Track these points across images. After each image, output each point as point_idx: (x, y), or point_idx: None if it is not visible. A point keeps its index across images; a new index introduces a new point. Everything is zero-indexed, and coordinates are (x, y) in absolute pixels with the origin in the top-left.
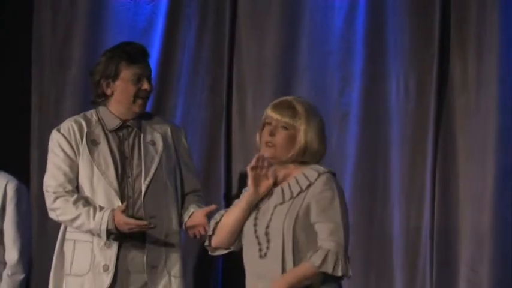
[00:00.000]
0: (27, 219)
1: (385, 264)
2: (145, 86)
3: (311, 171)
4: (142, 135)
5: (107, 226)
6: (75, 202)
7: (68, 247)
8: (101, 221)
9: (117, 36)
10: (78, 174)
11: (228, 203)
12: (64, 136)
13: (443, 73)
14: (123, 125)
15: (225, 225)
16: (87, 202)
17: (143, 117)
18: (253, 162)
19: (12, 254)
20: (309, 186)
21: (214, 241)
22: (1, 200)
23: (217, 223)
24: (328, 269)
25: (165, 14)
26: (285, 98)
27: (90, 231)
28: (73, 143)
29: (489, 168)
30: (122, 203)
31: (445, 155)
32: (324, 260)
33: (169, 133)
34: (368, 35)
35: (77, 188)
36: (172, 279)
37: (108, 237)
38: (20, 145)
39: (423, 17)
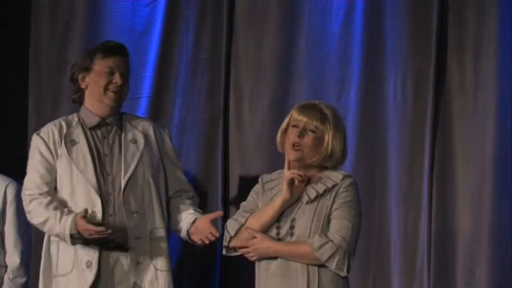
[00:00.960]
0: (27, 222)
1: (383, 267)
2: (116, 79)
3: (335, 174)
4: (123, 134)
5: (70, 231)
6: (47, 205)
7: (53, 249)
8: (65, 225)
9: (115, 38)
10: (57, 176)
11: (226, 205)
12: (43, 139)
13: (440, 75)
14: (103, 123)
15: (252, 227)
16: (58, 206)
17: (124, 116)
18: (292, 175)
19: (14, 258)
20: (334, 186)
21: (235, 243)
22: (1, 203)
23: (242, 226)
24: (324, 257)
25: (163, 16)
26: (311, 101)
27: (58, 236)
28: (51, 146)
29: (487, 171)
30: (101, 200)
31: (442, 157)
32: (323, 247)
33: (151, 132)
34: (365, 37)
35: (55, 189)
36: (159, 273)
37: (73, 242)
38: (17, 147)
39: (421, 19)
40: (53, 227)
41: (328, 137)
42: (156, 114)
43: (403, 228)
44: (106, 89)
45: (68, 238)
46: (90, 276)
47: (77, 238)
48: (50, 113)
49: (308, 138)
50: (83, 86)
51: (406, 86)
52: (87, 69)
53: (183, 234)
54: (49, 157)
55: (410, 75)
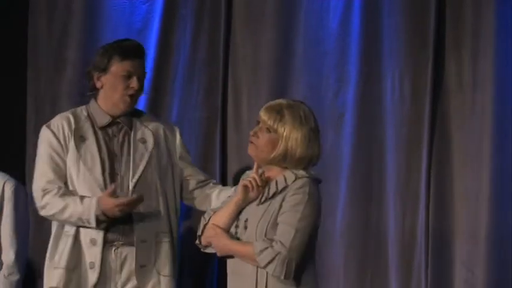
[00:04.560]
0: (25, 219)
1: (381, 265)
2: (134, 84)
3: (290, 175)
4: (132, 133)
5: (96, 212)
6: (62, 195)
7: (62, 243)
8: (89, 206)
9: (113, 37)
10: (67, 170)
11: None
12: (53, 132)
13: (438, 74)
14: (113, 122)
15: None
16: (74, 194)
17: (134, 114)
18: (246, 182)
19: (9, 255)
20: (284, 188)
21: (203, 240)
22: None
23: (205, 224)
24: (263, 262)
25: (161, 14)
26: (279, 101)
27: (81, 220)
28: (61, 140)
29: (484, 169)
30: None
31: (440, 155)
32: (263, 252)
33: (161, 132)
34: (363, 36)
35: (65, 184)
36: (162, 278)
37: (97, 224)
38: (16, 146)
39: (418, 18)
40: (74, 212)
41: (282, 139)
42: (153, 112)
43: (401, 226)
44: (123, 93)
45: (93, 219)
46: (92, 278)
47: (102, 221)
48: (49, 112)
49: (262, 138)
50: (98, 85)
51: (404, 85)
52: (104, 70)
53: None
54: (59, 150)
55: (407, 74)
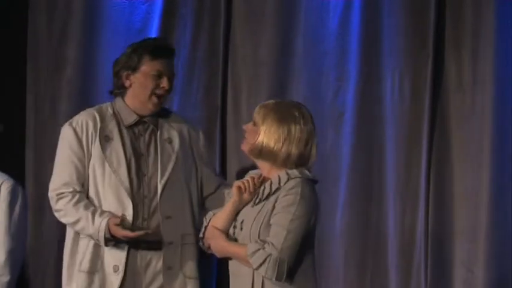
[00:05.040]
0: (22, 220)
1: (380, 264)
2: (164, 83)
3: (284, 175)
4: (158, 133)
5: (105, 234)
6: (75, 204)
7: (82, 245)
8: (99, 227)
9: (113, 37)
10: (87, 172)
11: None
12: (75, 131)
13: (438, 73)
14: (139, 121)
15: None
16: (88, 205)
17: (160, 114)
18: (239, 184)
19: None
20: (277, 190)
21: (205, 242)
22: None
23: (206, 227)
24: (255, 264)
25: (160, 14)
26: (272, 100)
27: (91, 237)
28: (84, 139)
29: (484, 168)
30: (133, 203)
31: (439, 155)
32: (255, 254)
33: (185, 132)
34: (363, 35)
35: (83, 186)
36: (187, 280)
37: (106, 243)
38: (16, 146)
39: (418, 17)
40: (85, 228)
41: (260, 132)
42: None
43: (400, 225)
44: (152, 92)
45: (102, 240)
46: (116, 281)
47: (111, 240)
48: (48, 111)
49: (248, 131)
50: (127, 84)
51: (404, 84)
52: (134, 69)
53: None
54: (79, 151)
55: (407, 74)
